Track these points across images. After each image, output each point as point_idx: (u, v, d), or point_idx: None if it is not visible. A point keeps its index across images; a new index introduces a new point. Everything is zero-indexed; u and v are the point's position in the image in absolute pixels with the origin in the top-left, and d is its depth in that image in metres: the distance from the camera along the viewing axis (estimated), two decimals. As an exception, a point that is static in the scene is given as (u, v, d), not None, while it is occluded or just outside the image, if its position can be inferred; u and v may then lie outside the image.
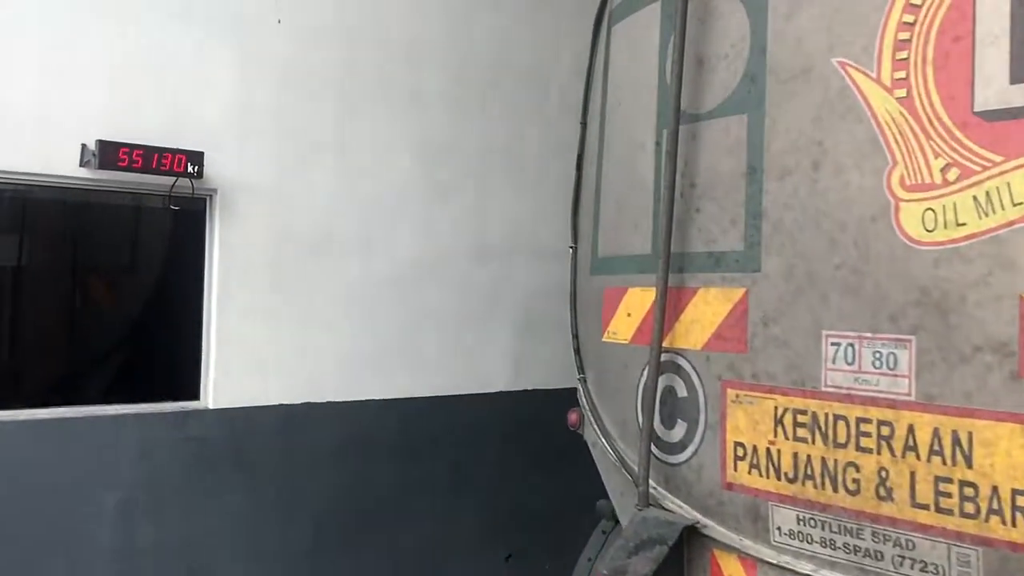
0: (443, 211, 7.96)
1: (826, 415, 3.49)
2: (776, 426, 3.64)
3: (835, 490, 3.47)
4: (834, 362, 3.48)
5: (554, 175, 8.52)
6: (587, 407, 4.75)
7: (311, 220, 7.24)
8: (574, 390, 8.61)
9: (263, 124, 7.01)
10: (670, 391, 4.08)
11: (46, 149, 6.10)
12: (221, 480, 6.74)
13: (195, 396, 6.75)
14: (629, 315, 4.40)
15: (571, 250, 5.28)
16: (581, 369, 4.93)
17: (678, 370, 4.06)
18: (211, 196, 6.82)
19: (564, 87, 8.63)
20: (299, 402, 7.12)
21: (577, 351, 5.03)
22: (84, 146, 6.21)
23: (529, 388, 8.41)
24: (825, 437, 3.49)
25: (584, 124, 5.25)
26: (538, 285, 8.46)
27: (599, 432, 4.58)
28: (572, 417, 4.89)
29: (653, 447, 4.07)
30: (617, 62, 4.76)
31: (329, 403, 7.27)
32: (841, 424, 3.45)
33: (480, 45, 8.19)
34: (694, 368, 4.00)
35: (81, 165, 6.23)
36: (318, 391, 7.22)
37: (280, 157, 7.10)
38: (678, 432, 4.06)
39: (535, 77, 8.54)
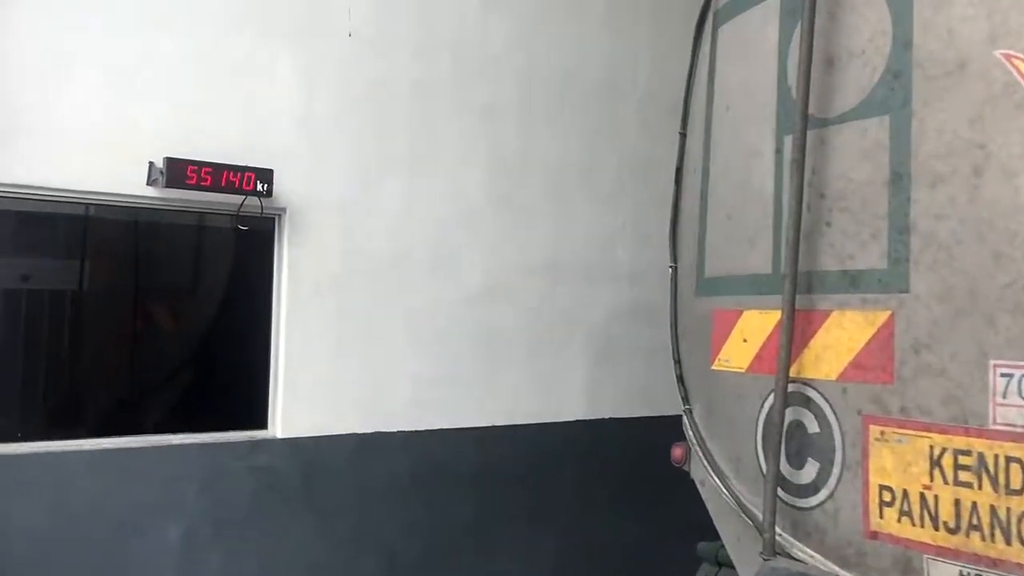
0: (516, 230, 7.61)
1: (996, 457, 3.04)
2: (932, 468, 3.19)
3: (1008, 543, 3.01)
4: (1005, 396, 3.03)
5: (631, 192, 8.18)
6: (694, 441, 4.32)
7: (381, 240, 6.93)
8: (653, 419, 8.23)
9: (332, 140, 6.74)
10: (798, 426, 3.65)
11: (111, 167, 5.87)
12: (289, 512, 6.42)
13: (262, 425, 6.45)
14: (745, 341, 3.98)
15: (671, 270, 4.88)
16: (686, 399, 4.51)
17: (807, 403, 3.62)
18: (280, 215, 6.54)
19: (641, 99, 8.29)
20: (370, 431, 6.79)
21: (680, 379, 4.61)
22: (151, 164, 5.97)
23: (606, 417, 8.00)
24: (995, 482, 3.04)
25: (683, 134, 4.87)
26: (615, 308, 8.09)
27: (710, 469, 4.15)
28: (676, 452, 4.47)
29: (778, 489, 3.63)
30: (725, 65, 4.37)
31: (400, 432, 6.93)
32: (1015, 468, 2.99)
33: (554, 57, 7.85)
34: (827, 400, 3.56)
35: (148, 184, 5.98)
36: (389, 419, 6.88)
37: (350, 174, 6.81)
38: (808, 472, 3.62)
39: (611, 89, 8.18)
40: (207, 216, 6.43)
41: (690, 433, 4.41)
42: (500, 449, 7.41)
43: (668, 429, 8.21)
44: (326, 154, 6.71)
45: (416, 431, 7.00)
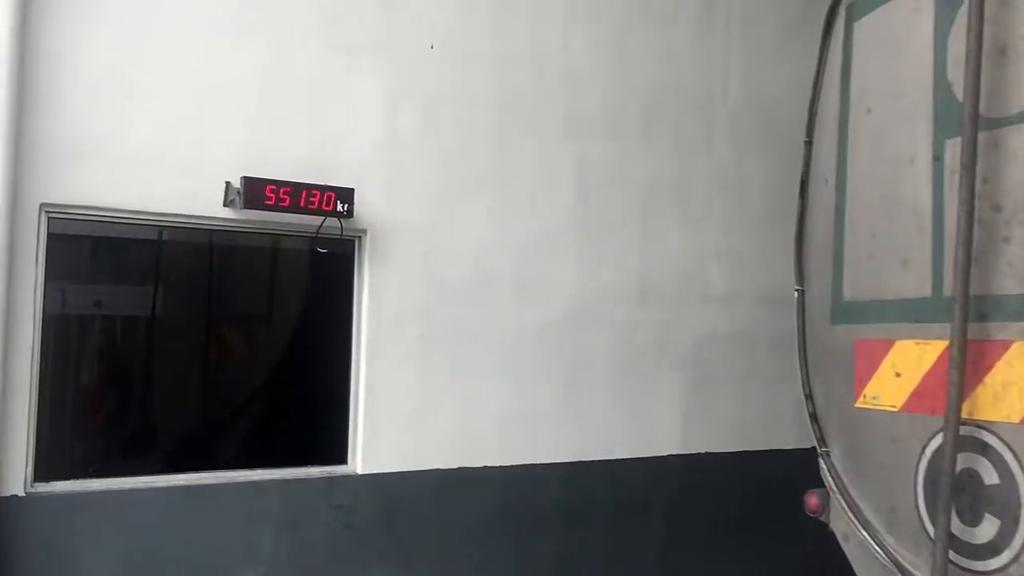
0: (604, 251, 7.17)
1: None
2: None
3: None
4: None
5: (723, 210, 7.72)
6: (835, 489, 3.82)
7: (464, 262, 6.55)
8: (751, 455, 7.70)
9: (414, 157, 6.38)
10: (971, 476, 3.14)
11: (185, 188, 5.58)
12: (371, 552, 6.03)
13: (342, 460, 6.08)
14: (898, 375, 3.48)
15: (797, 293, 4.38)
16: (822, 440, 4.01)
17: (983, 449, 3.11)
18: (360, 237, 6.19)
19: (732, 112, 7.82)
20: (454, 467, 6.38)
21: (814, 417, 4.11)
22: (228, 184, 5.66)
23: (701, 451, 7.47)
24: None
25: (809, 142, 4.39)
26: (707, 334, 7.58)
27: (856, 522, 3.64)
28: (812, 500, 3.96)
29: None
30: (865, 62, 3.89)
31: (486, 468, 6.50)
32: None
33: (640, 69, 7.42)
34: (1009, 447, 3.05)
35: (225, 205, 5.67)
36: (474, 454, 6.46)
37: (432, 193, 6.45)
38: (986, 531, 3.10)
39: (700, 103, 7.71)
40: (284, 238, 6.10)
41: (829, 479, 3.90)
42: (589, 485, 6.94)
43: (767, 465, 7.74)
44: (407, 173, 6.35)
45: (502, 466, 6.57)
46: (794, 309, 7.33)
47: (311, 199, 5.77)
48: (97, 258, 5.74)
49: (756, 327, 7.73)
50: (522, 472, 6.63)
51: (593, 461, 6.99)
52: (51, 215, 5.25)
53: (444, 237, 6.46)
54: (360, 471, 6.06)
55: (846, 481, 3.78)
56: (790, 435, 7.78)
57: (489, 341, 6.59)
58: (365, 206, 6.07)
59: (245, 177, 5.59)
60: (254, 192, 5.59)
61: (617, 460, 7.10)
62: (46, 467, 5.17)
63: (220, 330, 6.07)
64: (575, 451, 6.90)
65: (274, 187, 5.66)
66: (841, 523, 3.80)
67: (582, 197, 7.07)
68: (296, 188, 5.73)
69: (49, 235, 5.25)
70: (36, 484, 5.12)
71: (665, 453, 7.33)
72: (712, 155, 7.70)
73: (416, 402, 6.28)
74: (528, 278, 6.80)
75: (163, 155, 5.51)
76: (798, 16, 7.66)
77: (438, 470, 6.32)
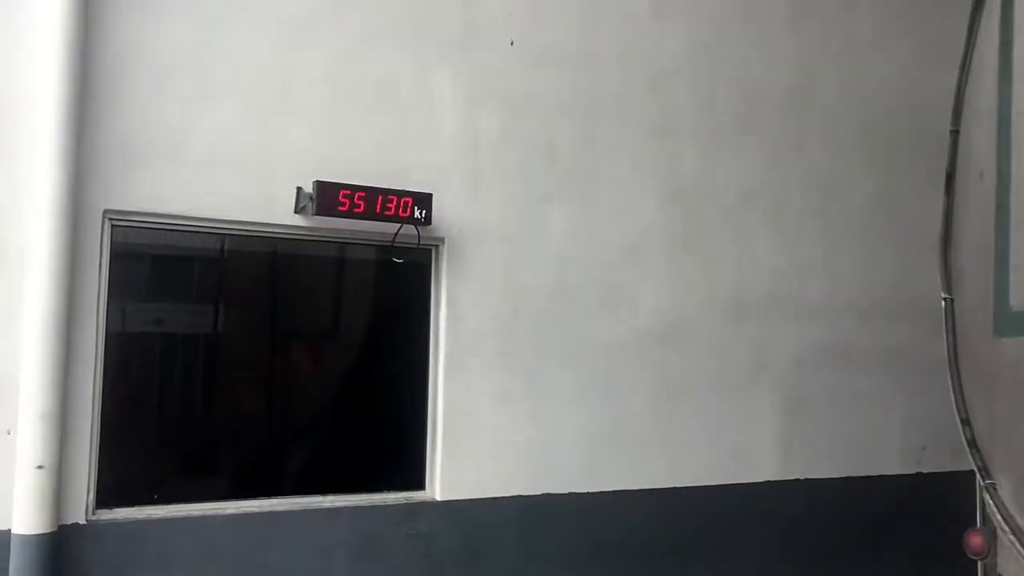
0: (694, 261, 6.71)
1: None
2: None
3: None
4: None
5: (821, 216, 7.25)
6: (1005, 528, 3.29)
7: (546, 273, 6.14)
8: (853, 481, 7.13)
9: (494, 161, 6.00)
10: None
11: (254, 194, 5.27)
12: (449, 585, 5.61)
13: (419, 485, 5.69)
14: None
15: (944, 302, 3.87)
16: (986, 472, 3.49)
17: None
18: (437, 246, 5.81)
19: (829, 111, 7.32)
20: (538, 493, 5.96)
21: (973, 444, 3.59)
22: (299, 190, 5.32)
23: (801, 477, 6.95)
24: None
25: (957, 131, 3.88)
26: (805, 350, 7.08)
27: (1036, 568, 3.11)
28: (975, 541, 3.46)
29: None
30: (1033, 36, 3.39)
31: (571, 494, 6.06)
32: None
33: (732, 67, 6.97)
34: None
35: (296, 211, 5.32)
36: (559, 479, 6.03)
37: (513, 199, 6.06)
38: None
39: (797, 102, 7.24)
40: (355, 248, 5.74)
41: (998, 517, 3.38)
42: (680, 514, 6.46)
43: (870, 493, 7.17)
44: (486, 177, 5.97)
45: (588, 493, 6.12)
46: (905, 321, 6.87)
47: (387, 205, 5.42)
48: (158, 270, 5.42)
49: (858, 341, 7.22)
50: (610, 499, 6.18)
51: (684, 488, 6.52)
52: (115, 223, 4.95)
53: (525, 245, 6.07)
54: (439, 497, 5.67)
55: (1020, 520, 3.26)
56: (895, 459, 7.28)
57: (574, 357, 6.17)
58: (442, 213, 5.70)
59: (318, 181, 5.25)
60: (327, 197, 5.24)
61: (709, 487, 6.61)
62: (109, 493, 4.85)
63: (289, 346, 5.71)
64: (666, 477, 6.44)
65: (348, 192, 5.31)
66: (1012, 566, 3.28)
67: (671, 202, 6.64)
68: (371, 193, 5.37)
69: (112, 244, 4.92)
70: (98, 511, 4.80)
71: (760, 479, 6.84)
72: (808, 156, 7.23)
73: (497, 423, 5.88)
74: (614, 289, 6.37)
75: (231, 157, 5.21)
76: (903, 2, 7.16)
77: (521, 496, 5.90)
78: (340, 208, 5.28)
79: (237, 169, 5.21)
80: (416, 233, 5.57)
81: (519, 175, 6.08)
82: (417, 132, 5.77)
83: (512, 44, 6.12)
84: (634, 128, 6.52)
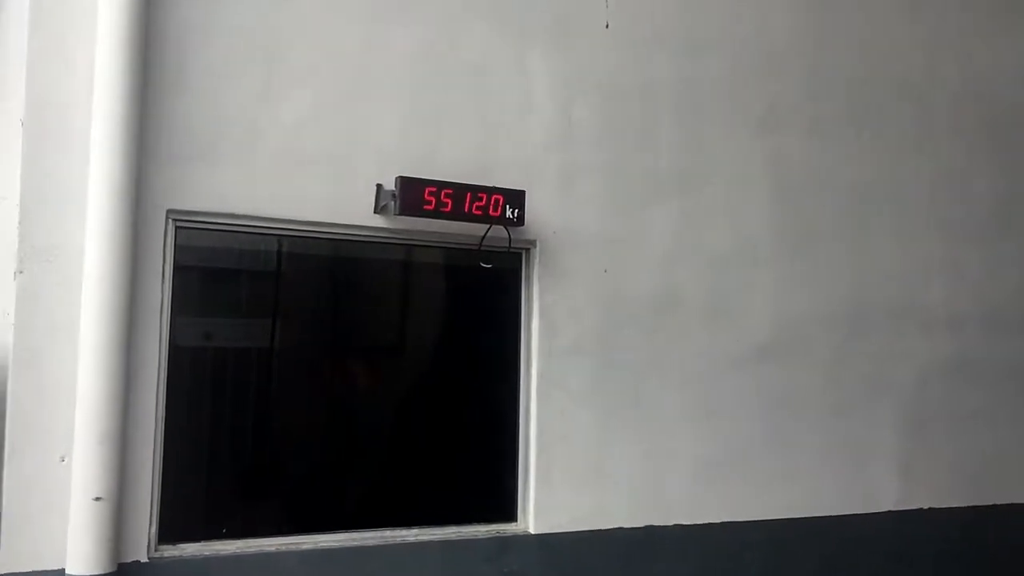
0: (807, 266, 6.13)
1: None
2: None
3: None
4: None
5: (945, 217, 6.64)
6: None
7: (649, 279, 5.61)
8: (985, 510, 6.44)
9: (590, 156, 5.49)
10: None
11: (329, 192, 4.78)
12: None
13: (511, 517, 5.17)
14: None
15: None
16: None
17: None
18: (528, 250, 5.30)
19: (951, 104, 6.70)
20: (640, 525, 5.41)
21: None
22: (380, 187, 4.82)
23: (924, 507, 6.31)
24: None
25: None
26: (929, 364, 6.48)
27: None
28: None
29: None
30: None
31: (677, 527, 5.50)
32: None
33: (847, 54, 6.41)
34: None
35: (376, 211, 4.83)
36: (663, 510, 5.50)
37: (611, 197, 5.55)
38: None
39: (915, 93, 6.64)
40: (437, 252, 5.22)
41: None
42: (791, 547, 5.90)
43: (1002, 524, 6.47)
44: (581, 174, 5.46)
45: (695, 525, 5.56)
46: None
47: (476, 203, 4.89)
48: (227, 277, 4.94)
49: (987, 356, 6.61)
50: (719, 532, 5.63)
51: (797, 519, 5.95)
52: (179, 224, 4.48)
53: (625, 249, 5.54)
54: (532, 530, 5.13)
55: None
56: (1031, 486, 6.60)
57: (678, 374, 5.63)
58: (534, 213, 5.18)
59: (402, 178, 4.75)
60: (412, 195, 4.75)
61: (823, 518, 6.03)
62: (173, 527, 4.35)
63: (368, 363, 5.17)
64: (779, 507, 5.87)
65: (434, 189, 4.81)
66: None
67: (781, 202, 6.08)
68: (459, 190, 4.87)
69: (176, 248, 4.46)
70: (161, 547, 4.31)
71: (880, 509, 6.25)
72: (930, 151, 6.65)
73: (596, 447, 5.35)
74: (721, 299, 5.81)
75: (306, 152, 4.74)
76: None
77: (622, 529, 5.36)
78: (426, 207, 4.78)
79: (312, 164, 4.74)
80: (506, 235, 5.05)
81: (617, 172, 5.56)
82: (507, 124, 5.26)
83: (607, 27, 5.57)
84: (740, 120, 5.98)
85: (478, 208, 4.91)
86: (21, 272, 4.06)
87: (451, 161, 5.01)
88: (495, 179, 5.07)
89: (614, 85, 5.57)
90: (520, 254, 5.32)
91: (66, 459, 4.05)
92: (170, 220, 4.43)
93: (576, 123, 5.45)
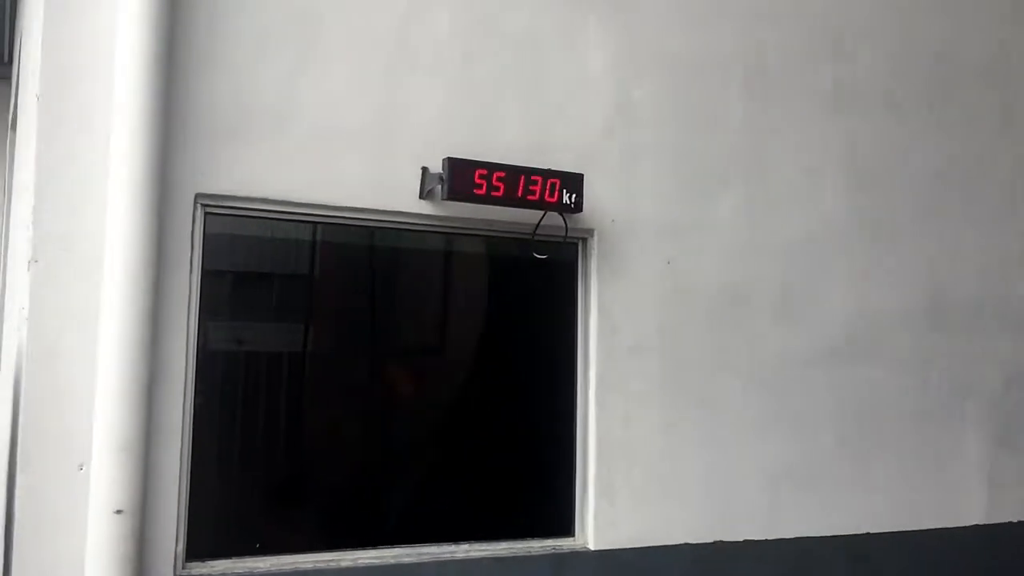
0: (884, 257, 5.73)
1: None
2: None
3: None
4: None
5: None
6: None
7: (714, 275, 5.20)
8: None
9: (650, 138, 5.10)
10: None
11: (372, 174, 4.41)
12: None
13: (568, 532, 4.79)
14: None
15: None
16: None
17: None
18: (585, 239, 4.91)
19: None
20: (708, 540, 5.00)
21: None
22: (425, 170, 4.45)
23: (1015, 520, 5.85)
24: None
25: None
26: (1017, 366, 5.95)
27: None
28: None
29: None
30: None
31: (748, 542, 5.09)
32: None
33: (928, 28, 6.01)
34: None
35: (422, 196, 4.45)
36: (733, 524, 5.09)
37: (673, 182, 5.15)
38: None
39: (1000, 70, 6.19)
40: (485, 241, 4.83)
41: None
42: (871, 564, 5.47)
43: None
44: (641, 157, 5.07)
45: (767, 540, 5.15)
46: None
47: (531, 187, 4.50)
48: (260, 269, 4.58)
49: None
50: (793, 548, 5.22)
51: (877, 534, 5.53)
52: (208, 209, 4.12)
53: (689, 239, 5.15)
54: (591, 546, 4.75)
55: None
56: None
57: (747, 376, 5.22)
58: (591, 200, 4.80)
59: (451, 159, 4.37)
60: (461, 178, 4.37)
61: (906, 532, 5.60)
62: (202, 542, 3.99)
63: (408, 367, 4.78)
64: (858, 521, 5.46)
65: (485, 172, 4.41)
66: None
67: (856, 188, 5.68)
68: (512, 173, 4.49)
69: (205, 235, 4.10)
70: (189, 564, 3.95)
71: (966, 523, 5.80)
72: (1016, 133, 6.14)
73: (659, 456, 4.95)
74: (792, 293, 5.40)
75: (344, 132, 4.37)
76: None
77: (688, 545, 4.96)
78: (476, 191, 4.39)
79: (351, 145, 4.37)
80: (561, 223, 4.65)
81: (680, 154, 5.16)
82: (561, 103, 4.87)
83: (668, -6, 5.17)
84: (813, 98, 5.58)
85: (533, 193, 4.51)
86: (36, 261, 3.72)
87: (499, 143, 4.64)
88: (547, 163, 4.69)
89: (677, 59, 5.18)
90: (576, 244, 4.94)
91: (84, 467, 3.70)
92: (199, 205, 4.08)
93: (636, 101, 5.07)
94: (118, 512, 3.65)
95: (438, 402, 4.79)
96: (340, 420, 4.54)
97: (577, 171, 4.70)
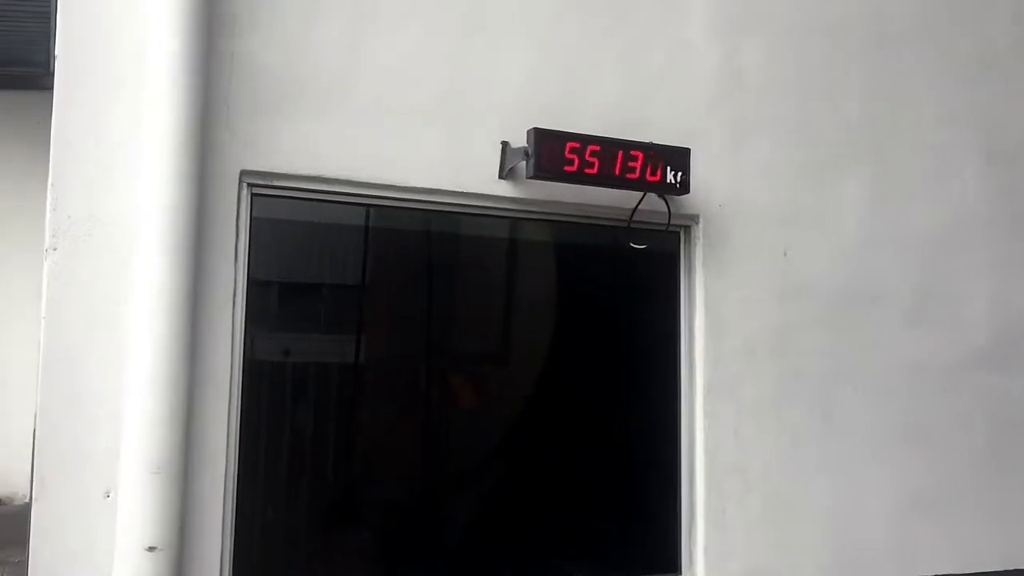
0: (1030, 251, 4.99)
1: None
2: None
3: None
4: None
5: None
6: None
7: (836, 268, 4.61)
8: None
9: (761, 112, 4.52)
10: None
11: (433, 150, 3.83)
12: None
13: (674, 567, 4.18)
14: None
15: None
16: None
17: None
18: (689, 227, 4.32)
19: None
20: (834, 578, 4.33)
21: None
22: (506, 145, 3.86)
23: None
24: None
25: None
26: None
27: None
28: None
29: None
30: None
31: (880, 580, 4.41)
32: None
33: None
34: None
35: (502, 175, 3.87)
36: (860, 558, 4.49)
37: (788, 164, 4.56)
38: None
39: None
40: (569, 229, 4.23)
41: None
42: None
43: None
44: (753, 133, 4.46)
45: (901, 578, 4.46)
46: None
47: (629, 164, 3.88)
48: (316, 260, 4.02)
49: None
50: (932, 588, 4.52)
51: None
52: (256, 190, 3.57)
53: (806, 227, 4.56)
54: (701, 584, 4.10)
55: None
56: None
57: (877, 385, 4.63)
58: (694, 182, 4.19)
59: (538, 129, 3.77)
60: (550, 153, 3.78)
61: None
62: (249, 571, 3.41)
63: (479, 376, 4.18)
64: (1002, 555, 4.75)
65: (577, 145, 3.81)
66: None
67: (997, 167, 5.06)
68: (608, 147, 3.87)
69: (252, 219, 3.54)
70: (235, 600, 3.39)
71: None
72: None
73: (777, 478, 4.34)
74: (925, 291, 4.79)
75: (409, 102, 3.82)
76: None
77: (811, 583, 4.29)
78: (567, 168, 3.78)
79: (418, 118, 3.82)
80: (663, 207, 4.04)
81: (796, 130, 4.59)
82: (658, 70, 4.28)
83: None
84: (945, 65, 4.98)
85: (632, 171, 3.90)
86: (54, 249, 3.20)
87: (588, 117, 4.05)
88: (644, 139, 4.06)
89: (791, 23, 4.58)
90: (678, 233, 4.32)
91: (111, 494, 3.14)
92: (244, 184, 3.53)
93: (745, 70, 4.48)
94: (151, 549, 3.09)
95: (515, 417, 4.18)
96: (408, 440, 3.95)
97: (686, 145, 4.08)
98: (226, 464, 3.33)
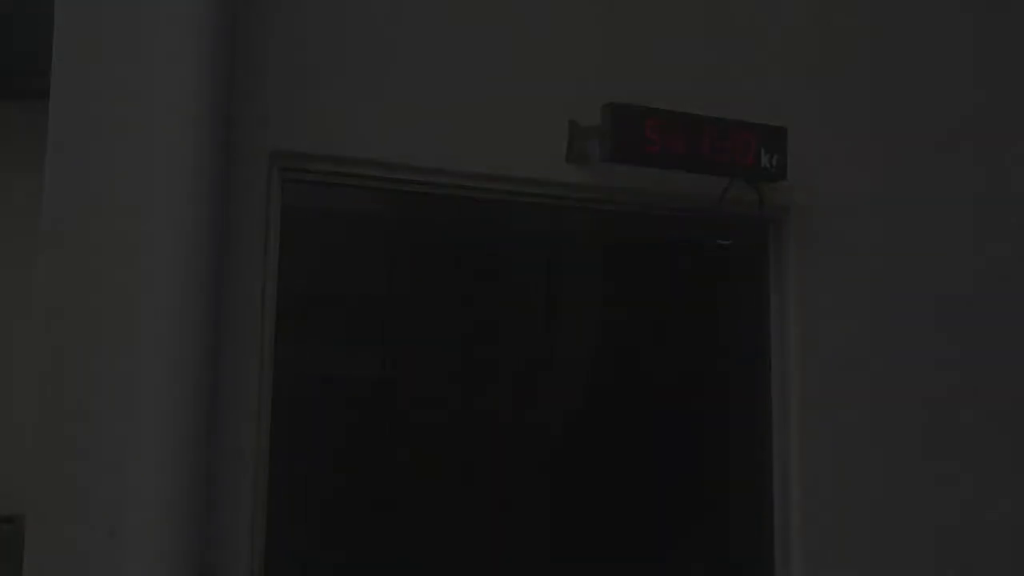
0: None
1: None
2: None
3: None
4: None
5: None
6: None
7: (956, 264, 4.11)
8: None
9: (862, 81, 4.02)
10: None
11: (487, 129, 3.39)
12: None
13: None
14: None
15: None
16: None
17: None
18: (779, 219, 3.85)
19: None
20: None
21: None
22: (574, 124, 3.43)
23: None
24: None
25: None
26: None
27: None
28: None
29: None
30: None
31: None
32: None
33: None
34: None
35: (569, 159, 3.43)
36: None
37: (897, 142, 4.06)
38: None
39: None
40: (641, 221, 3.82)
41: None
42: None
43: None
44: (854, 109, 4.01)
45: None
46: None
47: (718, 144, 3.43)
48: (357, 255, 3.59)
49: None
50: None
51: None
52: (287, 174, 3.16)
53: (913, 222, 4.08)
54: (801, 616, 3.66)
55: None
56: None
57: (1003, 403, 4.12)
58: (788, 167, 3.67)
59: (615, 104, 3.32)
60: (629, 132, 3.32)
61: None
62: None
63: (542, 381, 3.75)
64: None
65: (659, 122, 3.35)
66: None
67: None
68: (692, 123, 3.41)
69: (284, 206, 3.13)
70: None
71: None
72: None
73: (887, 510, 3.86)
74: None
75: (458, 75, 3.39)
76: None
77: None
78: (648, 149, 3.33)
79: (468, 93, 3.39)
80: (751, 195, 3.58)
81: (899, 105, 4.09)
82: (742, 35, 3.85)
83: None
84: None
85: (722, 152, 3.45)
86: (51, 244, 2.79)
87: (664, 91, 3.56)
88: (726, 116, 3.62)
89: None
90: (768, 225, 3.86)
91: (115, 535, 2.72)
92: (275, 168, 3.12)
93: (842, 37, 3.98)
94: (163, 598, 2.67)
95: (586, 434, 3.74)
96: (443, 444, 3.53)
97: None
98: (254, 496, 2.89)
